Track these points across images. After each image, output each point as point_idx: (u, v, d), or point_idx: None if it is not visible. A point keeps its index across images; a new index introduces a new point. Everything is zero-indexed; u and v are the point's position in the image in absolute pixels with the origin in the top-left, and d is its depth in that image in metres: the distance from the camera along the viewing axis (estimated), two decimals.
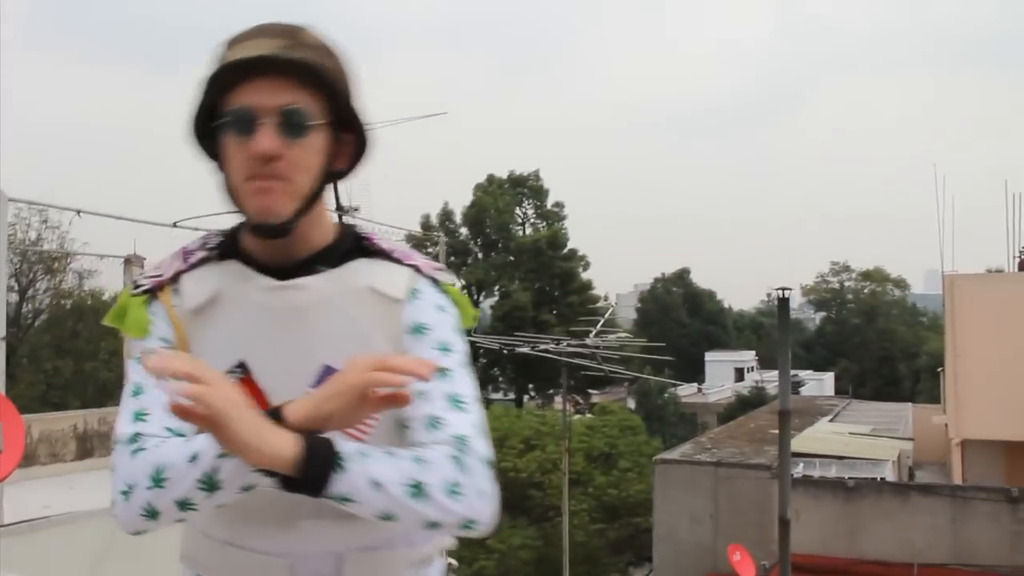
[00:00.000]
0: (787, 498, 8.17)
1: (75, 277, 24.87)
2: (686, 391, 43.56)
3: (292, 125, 1.33)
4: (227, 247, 1.47)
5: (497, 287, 38.09)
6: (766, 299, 76.13)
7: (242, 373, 1.38)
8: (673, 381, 37.03)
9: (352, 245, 1.47)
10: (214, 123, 1.38)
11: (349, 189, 10.46)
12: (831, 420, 18.98)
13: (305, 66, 1.34)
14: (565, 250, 37.94)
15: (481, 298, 39.89)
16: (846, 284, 57.50)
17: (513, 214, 39.88)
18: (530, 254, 37.42)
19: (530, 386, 37.80)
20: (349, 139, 1.44)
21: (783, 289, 8.41)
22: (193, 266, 1.46)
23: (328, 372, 1.35)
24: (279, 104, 1.33)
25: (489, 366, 36.55)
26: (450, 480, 1.24)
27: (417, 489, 1.22)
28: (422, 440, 1.30)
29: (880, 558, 11.25)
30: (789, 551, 8.15)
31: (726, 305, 65.12)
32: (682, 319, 56.52)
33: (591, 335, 10.72)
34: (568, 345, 10.66)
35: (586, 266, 38.32)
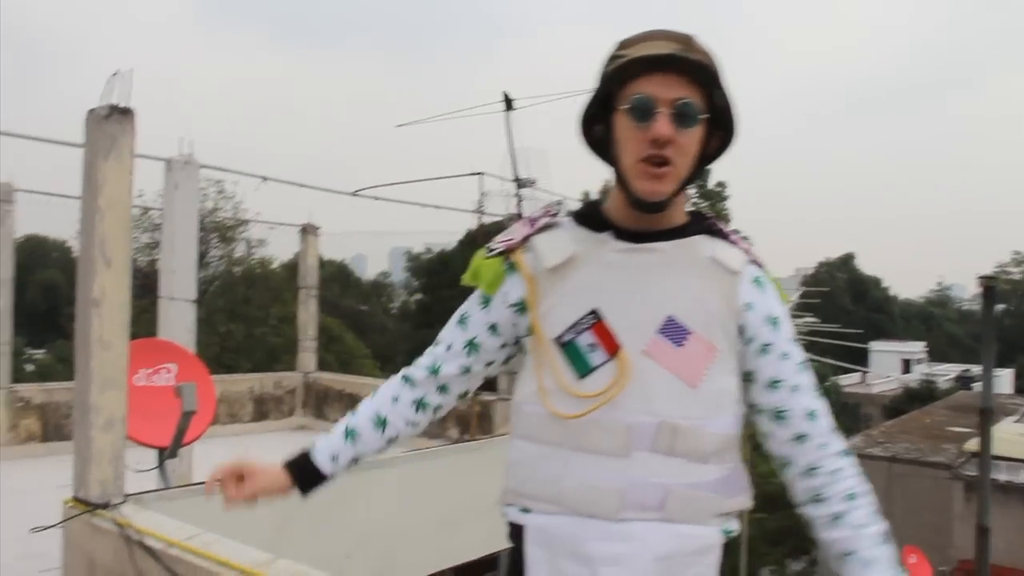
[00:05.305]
0: (987, 504, 7.57)
1: (245, 245, 26.12)
2: (848, 380, 41.95)
3: (684, 116, 1.52)
4: (585, 216, 1.68)
5: None
6: (937, 288, 72.79)
7: (594, 319, 1.58)
8: (845, 364, 35.56)
9: (700, 225, 1.66)
10: (616, 108, 1.56)
11: (528, 163, 10.57)
12: (1017, 421, 17.77)
13: (700, 66, 1.52)
14: None
15: None
16: None
17: None
18: None
19: None
20: (718, 133, 1.61)
21: (989, 278, 7.76)
22: (540, 230, 1.68)
23: (671, 323, 1.56)
24: (675, 97, 1.51)
25: None
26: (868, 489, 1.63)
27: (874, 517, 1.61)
28: (805, 431, 1.64)
29: None
30: (988, 561, 7.54)
31: (892, 293, 62.31)
32: (846, 305, 54.37)
33: None
34: None
35: None
